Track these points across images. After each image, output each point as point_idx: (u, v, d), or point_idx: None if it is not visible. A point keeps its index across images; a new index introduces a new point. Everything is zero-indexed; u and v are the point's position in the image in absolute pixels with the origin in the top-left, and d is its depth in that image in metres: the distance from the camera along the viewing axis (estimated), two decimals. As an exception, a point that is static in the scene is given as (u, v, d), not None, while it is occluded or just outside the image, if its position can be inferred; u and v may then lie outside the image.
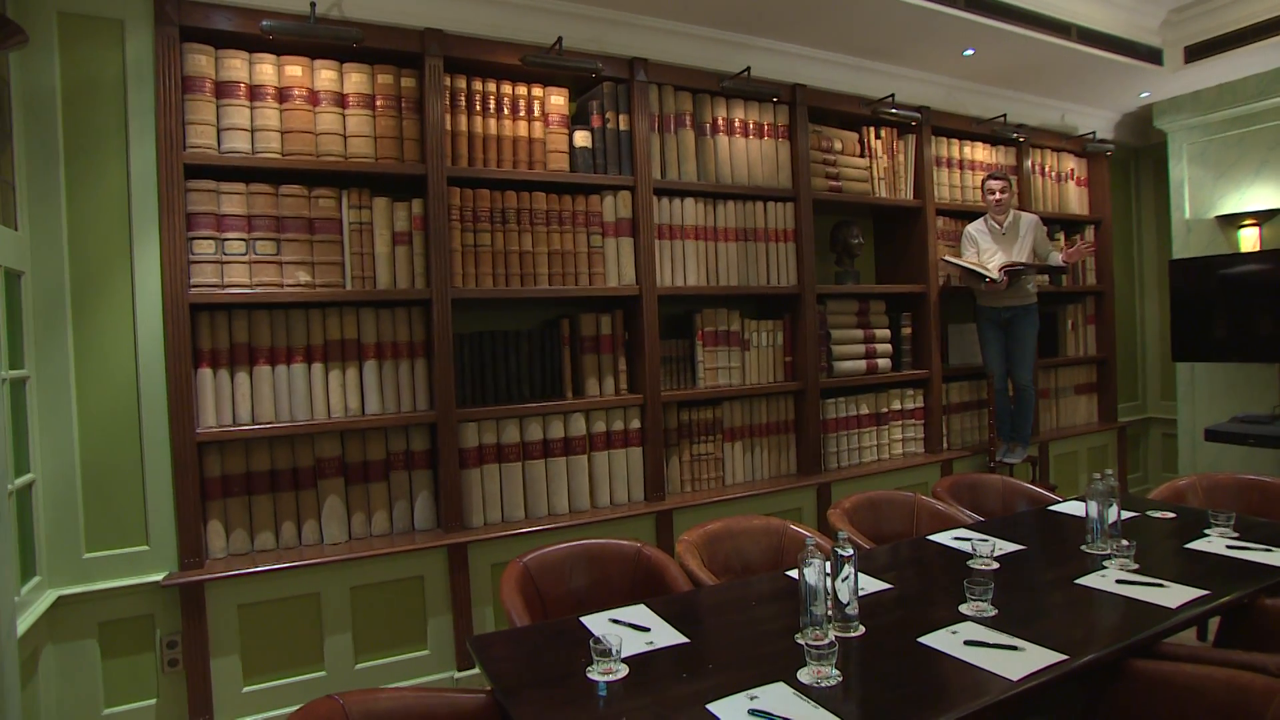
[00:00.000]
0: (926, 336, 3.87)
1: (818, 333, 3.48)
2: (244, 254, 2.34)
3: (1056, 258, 3.75)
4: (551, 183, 2.82)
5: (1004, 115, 3.86)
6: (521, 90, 2.78)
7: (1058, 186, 4.44)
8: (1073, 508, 2.53)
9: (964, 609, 1.66)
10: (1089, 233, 4.58)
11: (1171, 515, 2.38)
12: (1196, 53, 3.52)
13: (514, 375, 2.84)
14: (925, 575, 1.96)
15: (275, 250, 2.39)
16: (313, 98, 2.44)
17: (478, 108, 2.69)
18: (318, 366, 2.48)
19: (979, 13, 2.97)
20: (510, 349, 2.84)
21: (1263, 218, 3.87)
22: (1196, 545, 2.06)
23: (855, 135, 3.66)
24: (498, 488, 2.73)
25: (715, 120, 3.19)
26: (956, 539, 2.21)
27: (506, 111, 2.74)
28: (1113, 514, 2.07)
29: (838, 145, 3.57)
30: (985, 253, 3.73)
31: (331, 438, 2.49)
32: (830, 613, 1.57)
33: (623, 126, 2.96)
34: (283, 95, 2.40)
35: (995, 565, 1.96)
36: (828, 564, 1.57)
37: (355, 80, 2.49)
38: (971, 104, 3.88)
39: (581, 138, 2.88)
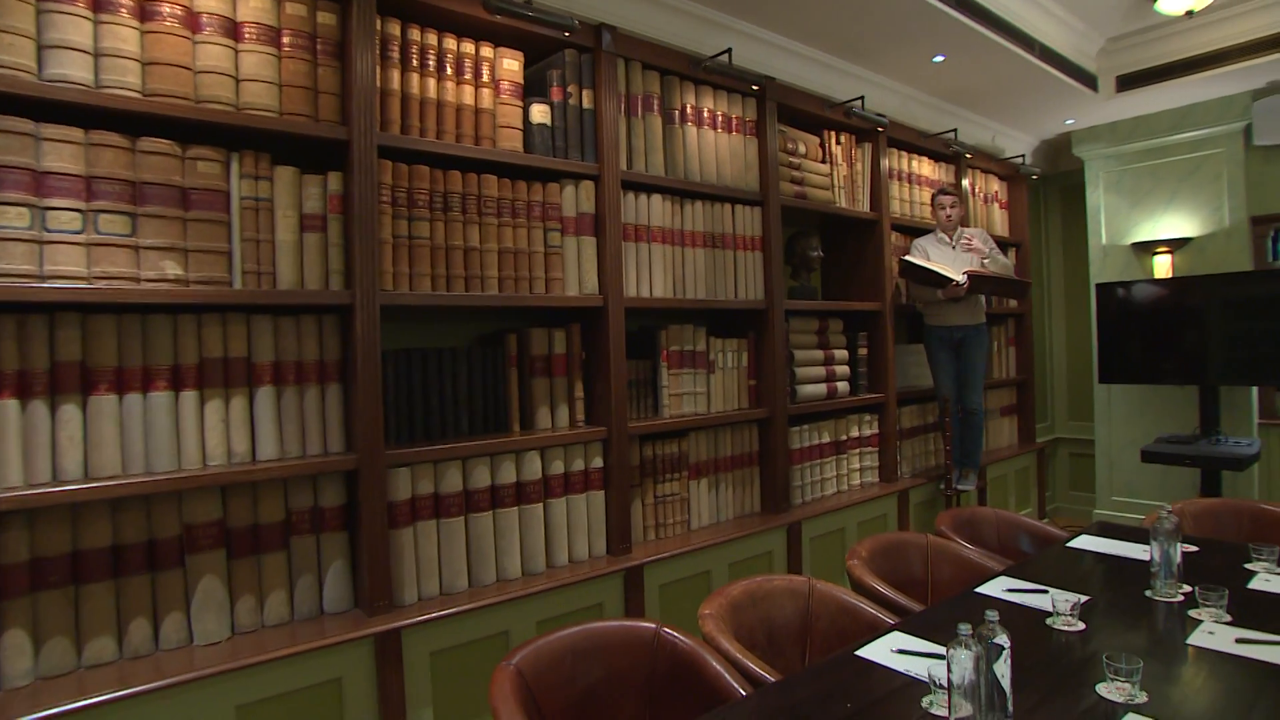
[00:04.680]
0: (883, 357, 3.72)
1: (784, 353, 3.20)
2: (79, 231, 1.64)
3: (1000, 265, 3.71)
4: (504, 164, 2.32)
5: (954, 130, 3.82)
6: (468, 47, 2.26)
7: (985, 208, 4.51)
8: (1088, 543, 2.37)
9: (1105, 692, 1.36)
10: (1011, 253, 4.70)
11: (1194, 549, 2.28)
12: (1127, 82, 3.67)
13: (449, 404, 2.29)
14: (1015, 645, 1.66)
15: (129, 229, 1.70)
16: (191, 21, 1.79)
17: (414, 63, 2.14)
18: (189, 396, 1.80)
19: (963, 12, 2.84)
20: (445, 371, 2.28)
21: (1174, 246, 4.11)
22: (1257, 586, 1.92)
23: (816, 139, 3.45)
24: (435, 550, 2.15)
25: (684, 107, 2.83)
26: (1010, 591, 1.95)
27: (450, 71, 2.22)
28: (1177, 555, 1.89)
29: (801, 148, 3.33)
30: (936, 265, 3.63)
31: (208, 495, 1.82)
32: (980, 715, 1.21)
33: (586, 104, 2.52)
34: (145, 11, 1.73)
35: (1081, 626, 1.71)
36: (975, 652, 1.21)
37: (253, 6, 1.86)
38: (922, 117, 3.81)
39: (539, 112, 2.40)
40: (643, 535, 2.73)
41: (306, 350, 1.96)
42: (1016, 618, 1.79)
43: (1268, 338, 3.61)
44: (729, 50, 2.74)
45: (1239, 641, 1.57)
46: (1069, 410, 5.15)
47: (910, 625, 1.73)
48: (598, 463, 2.55)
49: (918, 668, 1.49)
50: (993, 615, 1.26)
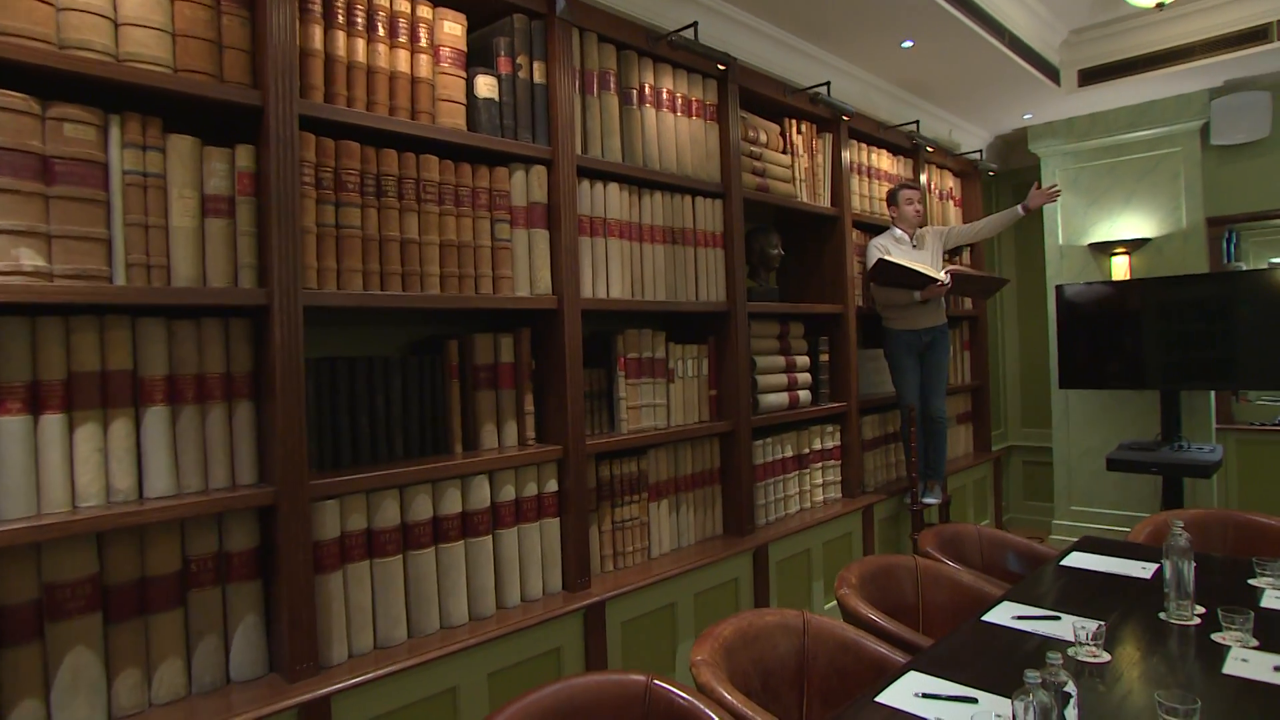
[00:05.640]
0: (845, 364, 3.71)
1: (747, 360, 3.12)
2: (-96, 212, 1.36)
3: (991, 223, 3.78)
4: (446, 144, 2.13)
5: (916, 122, 3.86)
6: (402, 5, 2.07)
7: (940, 205, 4.60)
8: (1081, 560, 2.39)
9: (1158, 737, 1.31)
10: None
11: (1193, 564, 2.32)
12: (1090, 76, 3.80)
13: (381, 423, 2.09)
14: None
15: (-28, 209, 1.43)
16: (55, -51, 1.53)
17: (340, 19, 1.93)
18: (53, 420, 1.53)
19: (939, -8, 2.85)
20: (376, 383, 2.08)
21: (1132, 246, 4.29)
22: (1271, 604, 1.94)
23: (777, 127, 3.40)
24: (369, 597, 1.94)
25: (642, 87, 2.71)
26: (1019, 619, 1.91)
27: (382, 32, 2.01)
28: (1191, 574, 1.90)
29: (763, 137, 3.27)
30: (917, 264, 3.64)
31: (79, 546, 1.55)
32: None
33: (537, 77, 2.36)
34: (-8, -66, 1.46)
35: (1107, 657, 1.68)
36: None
37: (137, -65, 1.62)
38: (882, 107, 3.83)
39: (485, 85, 2.23)
40: (600, 566, 2.59)
41: (210, 361, 1.72)
42: (1034, 649, 1.74)
43: (1226, 341, 3.80)
44: (694, 25, 2.64)
45: (1278, 670, 1.57)
46: (1022, 417, 5.32)
47: (925, 664, 1.66)
48: (552, 486, 2.39)
49: (950, 715, 1.41)
50: (1055, 658, 1.19)
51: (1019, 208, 3.74)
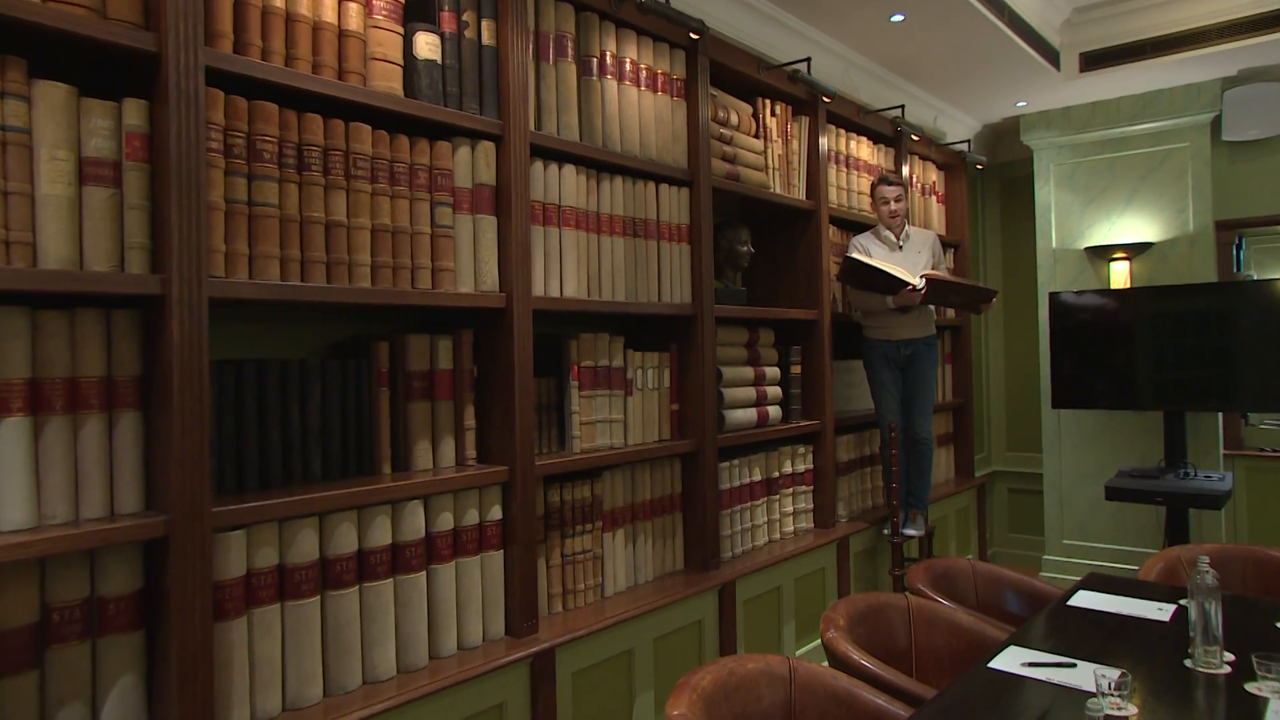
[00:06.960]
0: (819, 377, 3.75)
1: (713, 370, 3.11)
2: None
3: None
4: (380, 110, 2.07)
5: (901, 107, 3.94)
6: (329, -56, 1.99)
7: (923, 201, 4.70)
8: (1089, 600, 2.44)
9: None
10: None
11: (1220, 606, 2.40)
12: (1092, 61, 3.95)
13: (296, 438, 2.01)
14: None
15: None
16: None
17: (253, -45, 1.85)
18: (-112, 431, 1.41)
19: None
20: (290, 392, 2.00)
21: (1133, 251, 4.46)
22: (1305, 650, 2.02)
23: (749, 108, 3.42)
24: (279, 649, 1.85)
25: (603, 55, 2.69)
26: (1030, 665, 1.93)
27: (303, -26, 1.94)
28: (1219, 617, 1.95)
29: (734, 118, 3.29)
30: (887, 266, 3.71)
31: (-83, 587, 1.43)
32: None
33: (486, 39, 2.32)
34: None
35: (1133, 710, 1.71)
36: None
37: None
38: (864, 89, 3.90)
39: (426, 45, 2.17)
40: (547, 607, 2.54)
41: (85, 362, 1.61)
42: (1046, 700, 1.77)
43: (1235, 358, 3.95)
44: (668, -17, 2.63)
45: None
46: (1008, 439, 5.47)
47: (933, 718, 1.66)
48: (495, 513, 2.34)
49: (969, 778, 1.41)
50: (1094, 710, 1.19)
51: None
